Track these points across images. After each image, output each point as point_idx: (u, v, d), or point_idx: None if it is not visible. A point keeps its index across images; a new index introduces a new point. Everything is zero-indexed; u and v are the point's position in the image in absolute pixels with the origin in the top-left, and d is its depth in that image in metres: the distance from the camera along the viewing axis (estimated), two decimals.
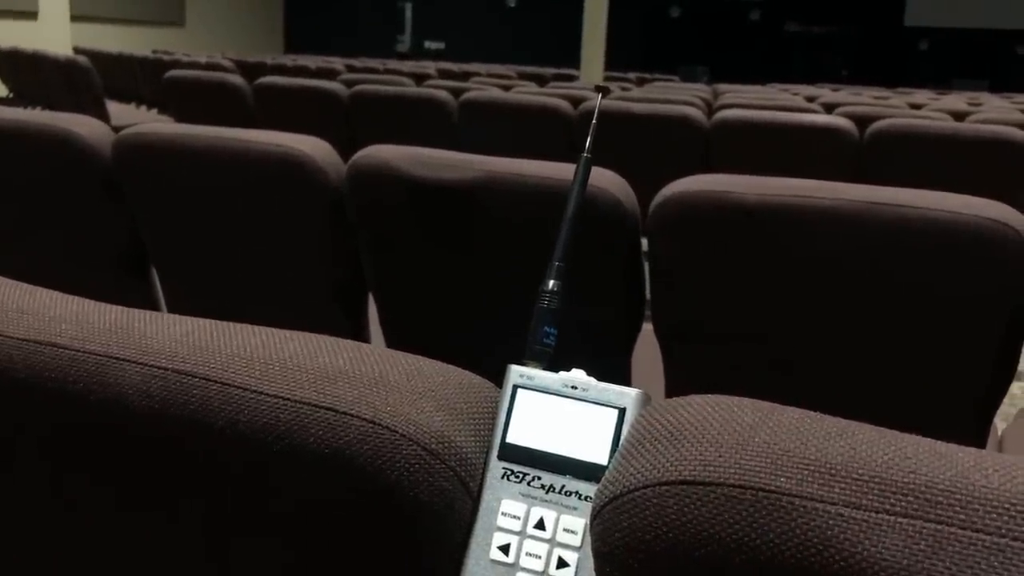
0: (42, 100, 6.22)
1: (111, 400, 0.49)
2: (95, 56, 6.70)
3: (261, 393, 0.46)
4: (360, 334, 1.67)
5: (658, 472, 0.38)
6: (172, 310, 1.82)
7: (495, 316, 1.51)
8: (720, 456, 0.37)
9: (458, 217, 1.42)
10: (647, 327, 1.42)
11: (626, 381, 1.49)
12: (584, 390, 0.44)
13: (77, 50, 8.16)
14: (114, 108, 5.54)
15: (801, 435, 0.37)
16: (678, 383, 1.42)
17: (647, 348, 1.43)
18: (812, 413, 0.39)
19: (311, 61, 7.56)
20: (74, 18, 9.63)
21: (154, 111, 6.50)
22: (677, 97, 4.01)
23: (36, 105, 6.39)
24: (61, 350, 0.51)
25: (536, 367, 0.46)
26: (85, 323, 0.52)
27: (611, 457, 0.43)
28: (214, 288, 1.76)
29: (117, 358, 0.49)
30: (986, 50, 12.94)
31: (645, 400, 0.44)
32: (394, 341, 1.63)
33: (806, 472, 0.35)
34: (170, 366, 0.48)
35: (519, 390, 0.45)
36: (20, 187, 1.82)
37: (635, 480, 0.38)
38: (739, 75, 10.85)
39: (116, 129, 1.75)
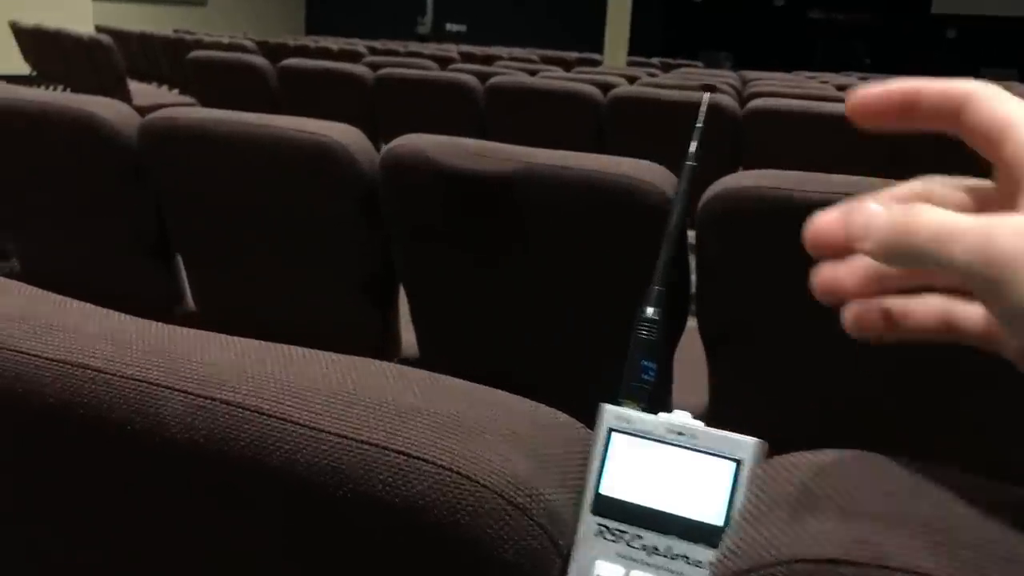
0: (64, 79, 6.19)
1: (150, 432, 0.43)
2: (117, 35, 6.66)
3: (322, 431, 0.40)
4: (389, 328, 1.62)
5: (796, 545, 0.32)
6: (196, 299, 1.78)
7: (531, 313, 1.46)
8: (876, 532, 0.31)
9: (495, 209, 1.36)
10: (691, 325, 1.37)
11: (668, 381, 1.44)
12: (692, 437, 0.39)
13: (99, 29, 8.13)
14: (136, 87, 5.50)
15: (978, 508, 0.31)
16: (723, 386, 1.37)
17: (691, 347, 1.37)
18: (980, 480, 0.33)
19: (333, 43, 7.49)
20: None
21: (175, 91, 6.46)
22: (707, 84, 3.93)
23: (58, 84, 6.37)
24: (95, 373, 0.45)
25: (633, 407, 0.40)
26: (122, 343, 0.46)
27: (727, 517, 0.37)
28: (240, 277, 1.71)
29: (158, 384, 0.44)
30: (1015, 38, 12.73)
31: (763, 450, 0.38)
32: (425, 337, 1.58)
33: (988, 559, 0.29)
34: (218, 396, 0.43)
35: (615, 434, 0.39)
36: (44, 171, 1.78)
37: (765, 552, 0.32)
38: (761, 62, 10.70)
39: (139, 109, 1.70)
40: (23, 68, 7.43)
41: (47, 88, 6.69)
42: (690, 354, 1.41)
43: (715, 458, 0.38)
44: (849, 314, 0.39)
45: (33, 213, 1.88)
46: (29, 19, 7.22)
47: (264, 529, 0.42)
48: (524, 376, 1.55)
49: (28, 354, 0.47)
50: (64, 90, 6.29)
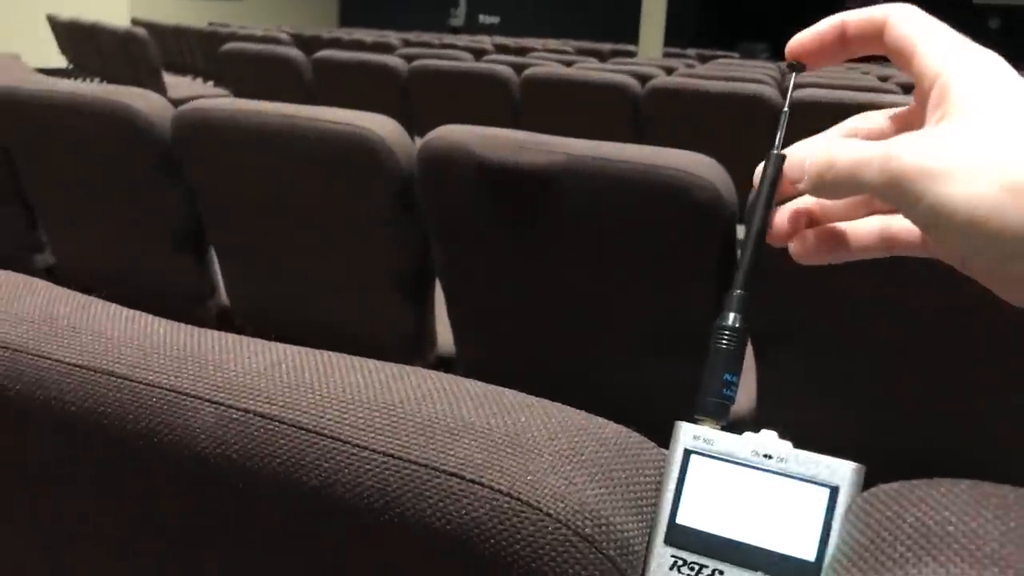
0: (100, 72, 6.23)
1: (179, 444, 0.40)
2: (152, 28, 6.69)
3: (366, 448, 0.37)
4: (424, 324, 1.59)
5: None
6: (229, 292, 1.75)
7: (571, 311, 1.41)
8: None
9: (535, 203, 1.32)
10: None
11: None
12: (781, 460, 0.34)
13: (135, 22, 8.18)
14: (171, 80, 5.52)
15: None
16: (771, 387, 1.32)
17: None
18: None
19: (366, 35, 7.48)
20: None
21: (210, 84, 6.48)
22: (747, 75, 3.86)
23: (94, 76, 6.41)
24: (120, 380, 0.42)
25: (713, 426, 0.36)
26: (149, 347, 0.43)
27: (820, 552, 0.33)
28: (273, 271, 1.69)
29: (187, 394, 0.40)
30: None
31: (861, 476, 0.34)
32: (461, 334, 1.54)
33: None
34: (252, 407, 0.39)
35: (692, 456, 0.35)
36: (78, 163, 1.76)
37: None
38: None
39: (173, 101, 1.68)
40: (60, 61, 7.49)
41: (84, 81, 6.74)
42: None
43: (807, 484, 0.34)
44: (795, 242, 0.43)
45: (67, 205, 1.86)
46: (66, 13, 7.28)
47: (300, 554, 0.38)
48: (563, 377, 1.50)
49: (50, 359, 0.43)
50: (100, 82, 6.33)
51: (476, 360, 1.58)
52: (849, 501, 0.33)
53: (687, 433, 0.36)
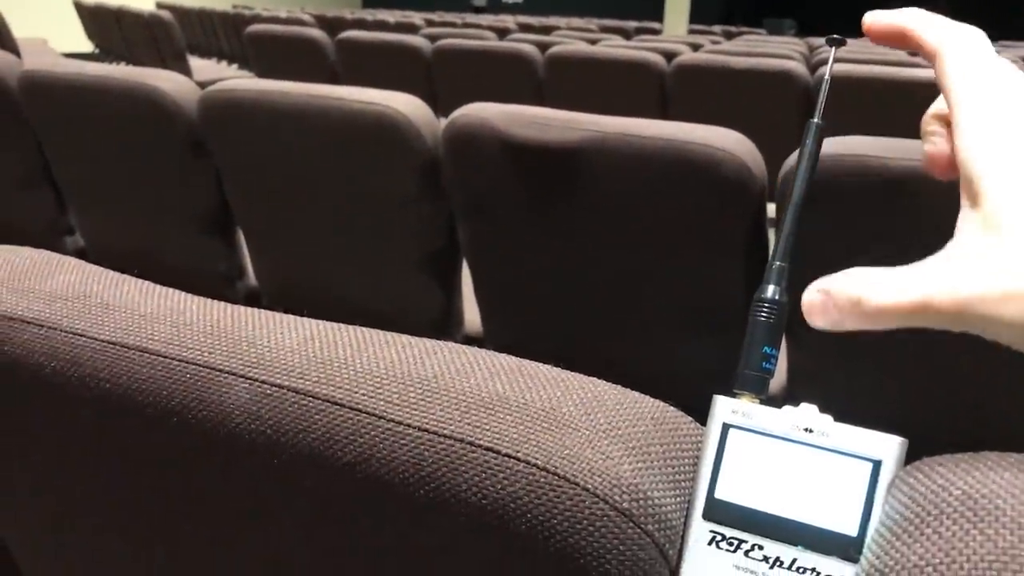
0: (126, 56, 6.26)
1: (213, 421, 0.40)
2: (176, 11, 6.71)
3: (401, 423, 0.36)
4: (452, 304, 1.59)
5: (962, 567, 0.27)
6: (258, 274, 1.76)
7: (600, 289, 1.41)
8: None
9: (563, 180, 1.31)
10: None
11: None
12: (822, 434, 0.34)
13: (160, 5, 8.21)
14: (196, 63, 5.53)
15: None
16: (802, 367, 1.30)
17: None
18: None
19: (389, 15, 7.46)
20: None
21: (235, 66, 6.49)
22: (774, 51, 3.81)
23: (120, 60, 6.45)
24: (154, 357, 0.42)
25: (752, 400, 0.36)
26: (182, 324, 0.43)
27: (862, 527, 0.32)
28: (301, 252, 1.69)
29: (221, 370, 0.40)
30: None
31: (904, 451, 0.33)
32: (488, 313, 1.54)
33: None
34: (286, 383, 0.39)
35: (731, 430, 0.35)
36: (106, 145, 1.77)
37: (924, 574, 0.28)
38: (826, 29, 10.37)
39: (199, 84, 1.68)
40: (86, 46, 7.54)
41: (110, 65, 6.78)
42: None
43: (849, 458, 0.33)
44: None
45: (96, 188, 1.88)
46: None
47: (336, 529, 0.38)
48: (591, 355, 1.50)
49: (84, 336, 0.43)
50: (126, 67, 6.36)
51: (504, 340, 1.58)
52: (892, 475, 0.33)
53: (725, 407, 0.35)
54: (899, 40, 0.42)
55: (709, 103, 2.96)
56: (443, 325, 1.61)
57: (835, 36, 0.41)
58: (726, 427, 0.35)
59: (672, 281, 1.31)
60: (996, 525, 0.28)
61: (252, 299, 1.79)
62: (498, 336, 1.58)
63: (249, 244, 1.74)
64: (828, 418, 0.35)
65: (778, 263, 0.39)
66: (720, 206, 1.18)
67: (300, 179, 1.58)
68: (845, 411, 1.11)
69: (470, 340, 1.63)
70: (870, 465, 0.33)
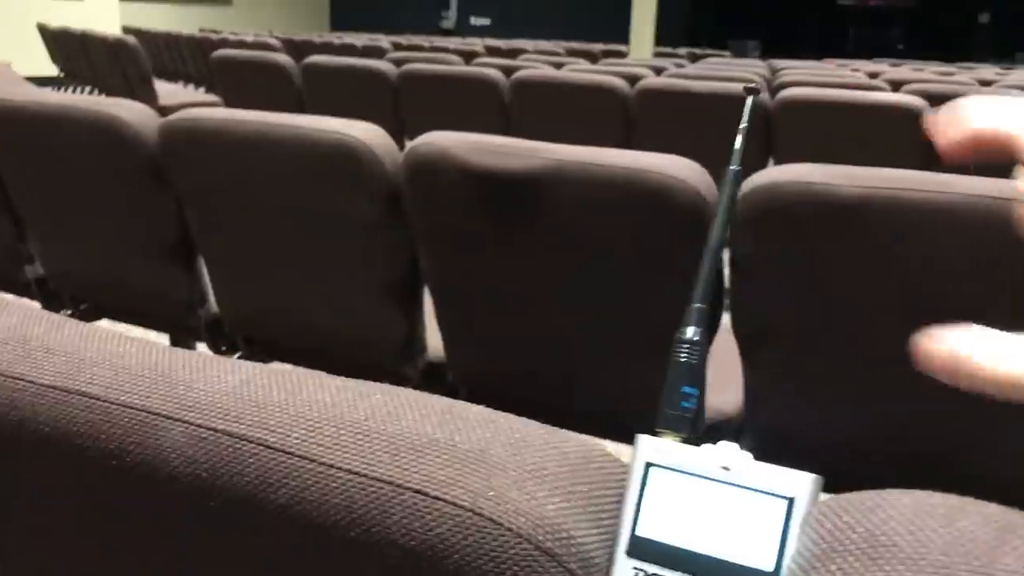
0: (91, 80, 6.23)
1: (151, 464, 0.40)
2: (143, 35, 6.68)
3: (332, 466, 0.37)
4: (414, 329, 1.59)
5: None
6: (219, 301, 1.76)
7: (559, 315, 1.42)
8: None
9: (523, 209, 1.33)
10: (725, 322, 1.32)
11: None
12: (739, 472, 0.35)
13: (126, 29, 8.18)
14: (162, 87, 5.51)
15: None
16: (758, 388, 1.32)
17: (727, 345, 1.33)
18: None
19: (357, 39, 7.48)
20: None
21: (202, 90, 6.48)
22: (736, 74, 3.87)
23: (85, 85, 6.41)
24: (93, 401, 0.42)
25: (673, 438, 0.37)
26: (121, 368, 0.43)
27: (778, 563, 0.33)
28: (263, 279, 1.69)
29: (159, 414, 0.41)
30: None
31: (819, 488, 0.34)
32: (450, 339, 1.55)
33: None
34: (221, 427, 0.40)
35: (653, 469, 0.36)
36: (67, 174, 1.77)
37: None
38: (791, 50, 10.56)
39: (165, 108, 1.68)
40: (51, 70, 7.48)
41: (75, 89, 6.73)
42: (726, 353, 1.36)
43: (765, 496, 0.34)
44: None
45: (56, 216, 1.86)
46: (56, 21, 7.27)
47: (268, 571, 0.39)
48: (553, 380, 1.51)
49: (23, 380, 0.44)
50: (91, 90, 6.33)
51: (466, 364, 1.59)
52: (805, 512, 0.34)
53: (647, 446, 0.36)
54: (1000, 147, 0.34)
55: (672, 126, 2.99)
56: (406, 351, 1.61)
57: (751, 86, 0.42)
58: (648, 465, 0.36)
59: (631, 307, 1.33)
60: (894, 562, 0.29)
61: (214, 326, 1.79)
62: (460, 361, 1.58)
63: (211, 271, 1.73)
64: (747, 456, 0.36)
65: (697, 305, 0.40)
66: (674, 233, 1.20)
67: (261, 207, 1.58)
68: (800, 431, 1.13)
69: (433, 365, 1.64)
70: (785, 503, 0.34)
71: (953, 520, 0.30)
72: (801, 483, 0.34)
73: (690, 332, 0.39)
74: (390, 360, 1.62)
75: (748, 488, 0.35)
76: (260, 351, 1.81)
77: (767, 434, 1.37)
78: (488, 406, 1.31)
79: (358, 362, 1.71)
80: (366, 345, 1.64)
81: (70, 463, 0.43)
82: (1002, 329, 0.33)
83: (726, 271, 1.27)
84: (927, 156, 2.84)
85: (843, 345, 1.24)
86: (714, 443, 0.36)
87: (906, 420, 1.27)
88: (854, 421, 1.29)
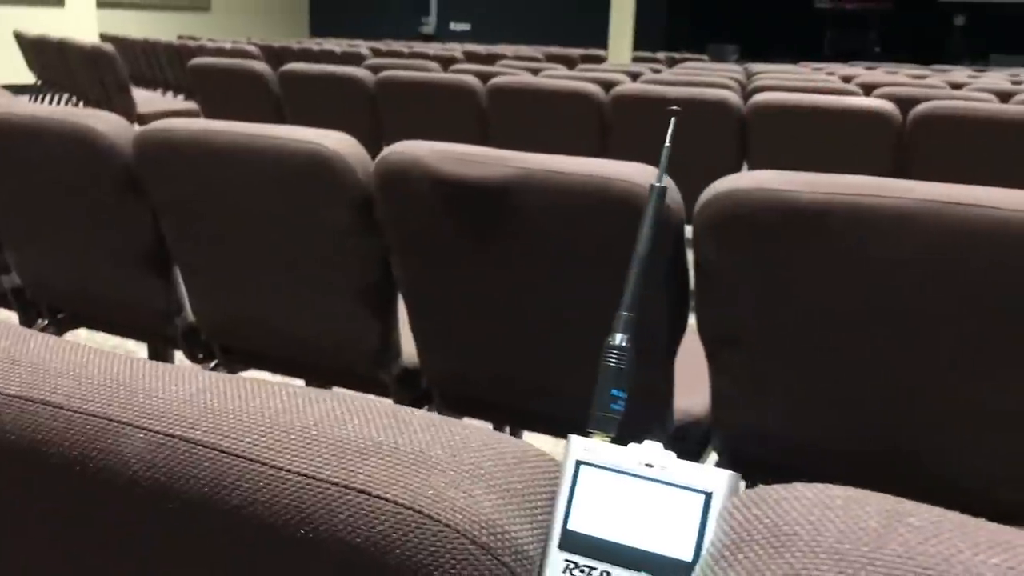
0: (69, 88, 6.21)
1: (112, 469, 0.43)
2: (121, 43, 6.67)
3: (281, 469, 0.39)
4: (389, 336, 1.61)
5: None
6: (196, 310, 1.77)
7: (530, 320, 1.44)
8: (841, 572, 0.30)
9: (490, 215, 1.35)
10: (692, 325, 1.35)
11: (669, 386, 1.42)
12: (662, 469, 0.37)
13: (104, 37, 8.16)
14: (140, 95, 5.51)
15: (943, 547, 0.30)
16: (723, 390, 1.35)
17: (694, 349, 1.36)
18: (952, 514, 0.32)
19: (336, 45, 7.49)
20: (101, 4, 9.63)
21: (180, 97, 6.47)
22: (711, 79, 3.91)
23: (63, 92, 6.39)
24: (57, 410, 0.44)
25: (602, 438, 0.39)
26: (84, 378, 0.45)
27: (696, 553, 0.36)
28: (238, 288, 1.71)
29: (118, 421, 0.43)
30: (1023, 24, 12.62)
31: (735, 484, 0.37)
32: (424, 345, 1.57)
33: None
34: (178, 432, 0.42)
35: (583, 467, 0.38)
36: (43, 185, 1.78)
37: None
38: (768, 53, 10.65)
39: (142, 116, 1.70)
40: (29, 77, 7.46)
41: (52, 97, 6.71)
42: (694, 356, 1.39)
43: (684, 491, 0.37)
44: None
45: (32, 227, 1.87)
46: (33, 29, 7.25)
47: (224, 570, 0.41)
48: (525, 385, 1.53)
49: None
50: (69, 98, 6.31)
51: (440, 370, 1.61)
52: (722, 505, 0.36)
53: (578, 446, 0.38)
54: None
55: (646, 131, 3.02)
56: (381, 357, 1.63)
57: (674, 107, 0.45)
58: (578, 464, 0.38)
59: (598, 312, 1.35)
60: (793, 550, 0.32)
61: (191, 335, 1.80)
62: (435, 366, 1.61)
63: (187, 281, 1.75)
64: (671, 454, 0.38)
65: (625, 313, 0.42)
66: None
67: (236, 216, 1.60)
68: (766, 433, 1.15)
69: (408, 371, 1.66)
70: (703, 497, 0.36)
71: (849, 511, 0.32)
72: (719, 479, 0.37)
73: (618, 339, 0.42)
74: (365, 366, 1.64)
75: (670, 484, 0.37)
76: (237, 359, 1.82)
77: (734, 436, 1.40)
78: (462, 411, 1.35)
79: (334, 369, 1.73)
80: (342, 352, 1.66)
81: (36, 471, 0.45)
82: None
83: (692, 275, 1.29)
84: (897, 159, 2.89)
85: (806, 348, 1.27)
86: (640, 443, 0.39)
87: (869, 420, 1.30)
88: (818, 422, 1.32)
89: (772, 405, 1.33)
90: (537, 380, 1.50)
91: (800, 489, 0.34)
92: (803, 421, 1.33)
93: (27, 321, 1.99)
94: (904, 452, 1.28)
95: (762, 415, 1.34)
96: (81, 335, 2.32)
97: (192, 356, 1.83)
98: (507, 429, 1.77)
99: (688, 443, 1.49)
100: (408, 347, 1.62)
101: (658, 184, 0.43)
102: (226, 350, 1.82)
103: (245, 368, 1.85)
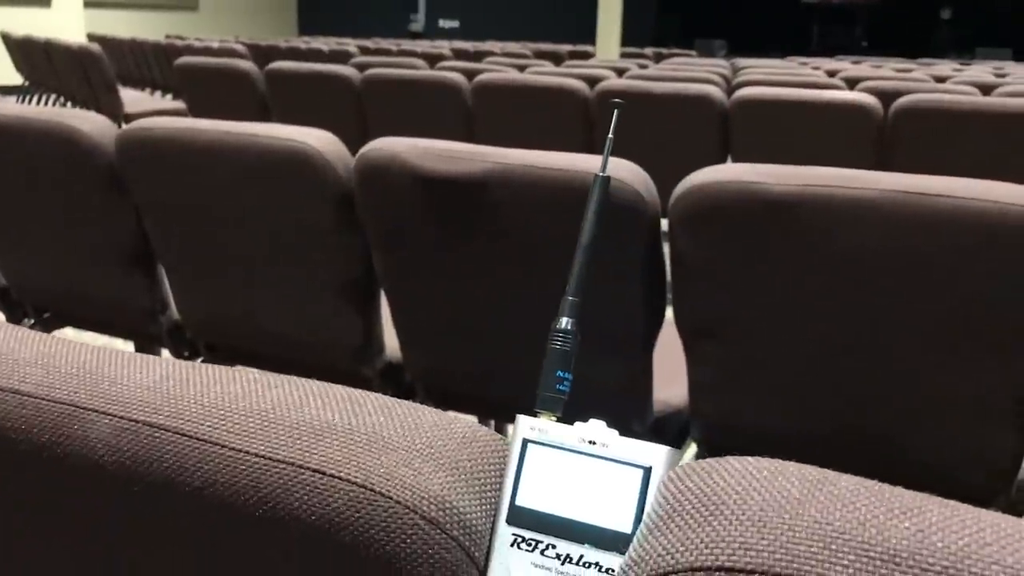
0: (56, 88, 6.20)
1: (79, 454, 0.44)
2: (108, 42, 6.66)
3: (240, 451, 0.41)
4: (371, 332, 1.63)
5: (691, 554, 0.33)
6: (180, 308, 1.78)
7: (510, 313, 1.46)
8: (763, 538, 0.32)
9: (470, 211, 1.37)
10: (670, 317, 1.37)
11: (648, 378, 1.44)
12: (604, 446, 0.39)
13: (91, 36, 8.14)
14: (127, 95, 5.50)
15: (859, 512, 0.32)
16: (701, 380, 1.37)
17: (672, 340, 1.38)
18: (870, 482, 0.34)
19: (324, 43, 7.49)
20: (88, 4, 9.61)
21: (167, 97, 6.47)
22: (696, 74, 3.93)
23: (50, 93, 6.38)
24: (25, 398, 0.46)
25: (549, 417, 0.41)
26: (52, 367, 0.47)
27: (635, 525, 0.37)
28: (221, 285, 1.72)
29: (84, 408, 0.44)
30: (1009, 18, 12.68)
31: (674, 459, 0.38)
32: (406, 339, 1.58)
33: (866, 560, 0.30)
34: (141, 418, 0.43)
35: (530, 445, 0.40)
36: (26, 184, 1.78)
37: (663, 562, 0.33)
38: (757, 48, 10.68)
39: (129, 116, 1.71)
40: (15, 78, 7.44)
41: (39, 97, 6.70)
42: (672, 347, 1.41)
43: (625, 467, 0.38)
44: None
45: (16, 226, 1.88)
46: (20, 29, 7.23)
47: (187, 550, 0.42)
48: (505, 378, 1.55)
49: None
50: (56, 98, 6.30)
51: (423, 364, 1.62)
52: (661, 480, 0.38)
53: (525, 424, 0.40)
54: None
55: (631, 126, 3.04)
56: (364, 352, 1.64)
57: (617, 100, 0.47)
58: (525, 442, 0.40)
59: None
60: (720, 518, 0.33)
61: (176, 333, 1.81)
62: (418, 361, 1.62)
63: (171, 278, 1.76)
64: (613, 432, 0.40)
65: (570, 298, 0.44)
66: (616, 232, 1.24)
67: (219, 214, 1.61)
68: (744, 422, 1.18)
69: (392, 366, 1.67)
70: (641, 471, 0.38)
71: (774, 481, 0.34)
72: (658, 454, 0.38)
73: (564, 322, 0.43)
74: (349, 362, 1.65)
75: (611, 459, 0.39)
76: (222, 356, 1.83)
77: (712, 426, 1.41)
78: (446, 405, 1.37)
79: (318, 364, 1.74)
80: (325, 347, 1.67)
81: (5, 458, 0.46)
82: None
83: (668, 266, 1.31)
84: (879, 152, 2.91)
85: (782, 338, 1.29)
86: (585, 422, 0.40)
87: (842, 407, 1.32)
88: (794, 410, 1.34)
89: (749, 394, 1.35)
90: (517, 373, 1.51)
91: (730, 461, 0.36)
92: (779, 410, 1.34)
93: (13, 321, 2.00)
94: (876, 437, 1.30)
95: (739, 405, 1.36)
96: (67, 335, 2.33)
97: (178, 354, 1.84)
98: (492, 424, 1.79)
99: (667, 434, 1.51)
100: (391, 342, 1.64)
101: (601, 174, 0.45)
102: (211, 347, 1.83)
103: (231, 365, 1.86)
